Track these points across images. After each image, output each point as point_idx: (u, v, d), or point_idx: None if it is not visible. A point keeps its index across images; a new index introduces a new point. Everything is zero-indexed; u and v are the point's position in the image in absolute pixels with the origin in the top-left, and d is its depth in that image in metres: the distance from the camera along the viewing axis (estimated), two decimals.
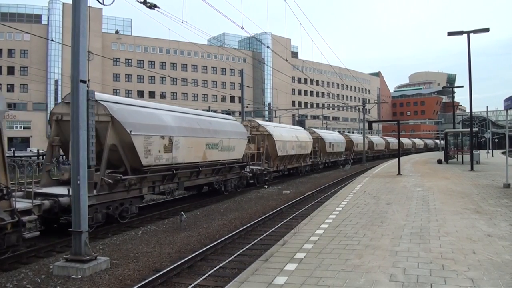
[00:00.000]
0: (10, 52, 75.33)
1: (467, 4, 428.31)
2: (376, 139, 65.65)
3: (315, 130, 39.08)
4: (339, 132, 53.91)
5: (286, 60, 44.28)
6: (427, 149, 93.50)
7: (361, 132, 57.44)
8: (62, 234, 10.79)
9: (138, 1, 12.48)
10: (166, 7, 17.89)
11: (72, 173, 8.40)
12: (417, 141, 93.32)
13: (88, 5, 8.64)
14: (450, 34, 24.85)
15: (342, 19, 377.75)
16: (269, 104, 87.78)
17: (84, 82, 8.39)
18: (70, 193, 9.02)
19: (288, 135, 28.73)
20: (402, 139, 75.47)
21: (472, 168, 24.33)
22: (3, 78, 74.05)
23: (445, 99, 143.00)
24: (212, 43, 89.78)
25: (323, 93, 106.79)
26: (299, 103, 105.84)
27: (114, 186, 12.15)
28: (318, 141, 37.20)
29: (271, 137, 25.78)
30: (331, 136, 41.87)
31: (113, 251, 9.95)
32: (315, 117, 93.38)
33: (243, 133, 21.58)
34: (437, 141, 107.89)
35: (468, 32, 24.35)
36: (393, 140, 72.50)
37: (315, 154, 36.10)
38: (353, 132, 73.26)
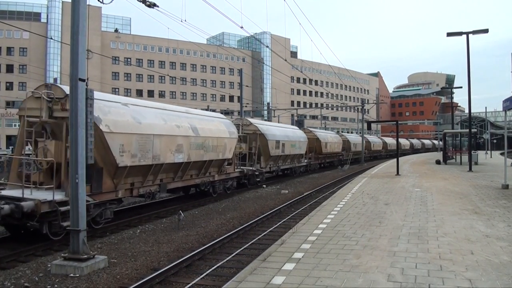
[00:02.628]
0: (9, 50, 75.19)
1: (466, 5, 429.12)
2: (354, 138, 54.07)
3: (252, 121, 25.95)
4: (304, 128, 38.91)
5: (285, 60, 44.25)
6: (413, 150, 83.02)
7: (360, 132, 57.26)
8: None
9: (137, 0, 12.47)
10: (166, 6, 17.89)
11: (71, 171, 8.39)
12: (403, 141, 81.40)
13: (88, 3, 8.63)
14: (449, 34, 24.90)
15: (341, 19, 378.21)
16: (268, 103, 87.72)
17: (83, 80, 8.37)
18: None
19: (163, 126, 14.29)
20: (382, 139, 69.53)
21: (470, 169, 24.35)
22: (2, 76, 74.00)
23: (444, 99, 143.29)
24: (211, 42, 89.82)
25: (322, 93, 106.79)
26: (298, 103, 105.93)
27: None
28: (257, 138, 24.49)
29: (98, 129, 11.12)
30: (282, 132, 28.35)
31: (111, 250, 9.94)
32: (314, 117, 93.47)
33: None
34: (426, 141, 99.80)
35: (467, 33, 24.39)
36: (375, 140, 64.28)
37: (251, 158, 24.07)
38: (352, 133, 72.79)
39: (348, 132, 71.06)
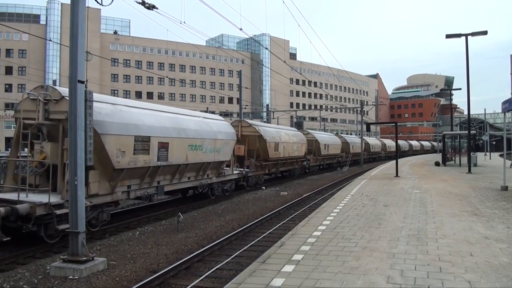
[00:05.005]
0: (8, 52, 75.13)
1: (465, 6, 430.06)
2: (325, 137, 42.09)
3: (63, 91, 11.43)
4: (240, 120, 26.20)
5: (285, 62, 44.23)
6: (400, 152, 61.95)
7: (359, 134, 56.88)
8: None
9: (136, 2, 12.48)
10: (165, 8, 17.89)
11: (70, 173, 8.38)
12: (389, 142, 69.61)
13: (87, 5, 8.63)
14: (448, 36, 24.96)
15: (340, 21, 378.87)
16: (267, 105, 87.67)
17: (82, 82, 8.37)
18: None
19: None
20: (364, 140, 53.54)
21: (469, 171, 24.38)
22: (1, 78, 73.84)
23: (443, 101, 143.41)
24: (211, 44, 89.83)
25: (321, 95, 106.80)
26: (297, 104, 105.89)
27: None
28: (56, 132, 11.45)
29: None
30: (163, 121, 14.90)
31: (110, 252, 9.93)
32: (313, 119, 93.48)
33: None
34: (414, 142, 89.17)
35: (466, 35, 24.47)
36: (355, 141, 51.33)
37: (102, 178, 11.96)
38: (351, 134, 71.94)
39: (348, 134, 70.51)
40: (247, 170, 22.72)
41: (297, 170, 31.72)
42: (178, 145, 15.18)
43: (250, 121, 26.25)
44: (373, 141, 60.93)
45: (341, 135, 51.52)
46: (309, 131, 39.24)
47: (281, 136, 28.00)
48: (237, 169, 21.77)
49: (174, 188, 16.09)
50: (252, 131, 24.65)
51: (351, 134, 69.51)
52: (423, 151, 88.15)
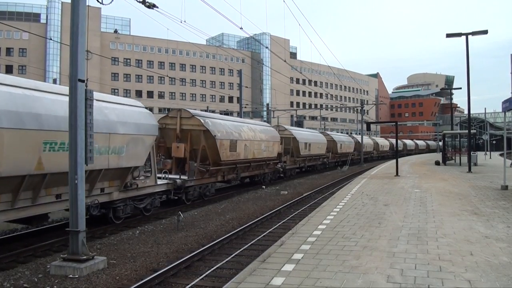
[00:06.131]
0: (9, 51, 75.14)
1: (466, 6, 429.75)
2: (309, 135, 35.82)
3: None
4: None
5: (285, 61, 44.24)
6: (393, 152, 61.78)
7: (359, 133, 56.73)
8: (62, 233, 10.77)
9: (137, 1, 12.45)
10: (165, 7, 17.89)
11: (70, 172, 8.38)
12: (381, 141, 64.17)
13: (87, 4, 8.63)
14: (448, 36, 24.95)
15: (340, 20, 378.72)
16: (267, 104, 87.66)
17: (83, 81, 8.37)
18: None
19: None
20: (354, 138, 51.36)
21: (470, 170, 24.37)
22: None
23: (443, 100, 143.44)
24: (211, 43, 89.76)
25: (321, 94, 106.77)
26: (298, 103, 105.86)
27: None
28: None
29: None
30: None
31: (111, 251, 9.94)
32: (313, 118, 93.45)
33: None
34: (408, 141, 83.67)
35: (466, 34, 24.46)
36: (343, 139, 46.51)
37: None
38: (351, 133, 71.69)
39: (349, 133, 70.26)
40: (185, 178, 16.54)
41: (268, 175, 25.31)
42: (16, 143, 8.74)
43: (193, 111, 19.41)
44: (364, 139, 53.84)
45: (327, 132, 46.21)
46: (286, 127, 32.86)
47: (242, 131, 21.37)
48: (167, 176, 15.82)
49: (25, 215, 9.52)
50: (196, 124, 18.37)
51: (351, 133, 69.19)
52: (417, 150, 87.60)
